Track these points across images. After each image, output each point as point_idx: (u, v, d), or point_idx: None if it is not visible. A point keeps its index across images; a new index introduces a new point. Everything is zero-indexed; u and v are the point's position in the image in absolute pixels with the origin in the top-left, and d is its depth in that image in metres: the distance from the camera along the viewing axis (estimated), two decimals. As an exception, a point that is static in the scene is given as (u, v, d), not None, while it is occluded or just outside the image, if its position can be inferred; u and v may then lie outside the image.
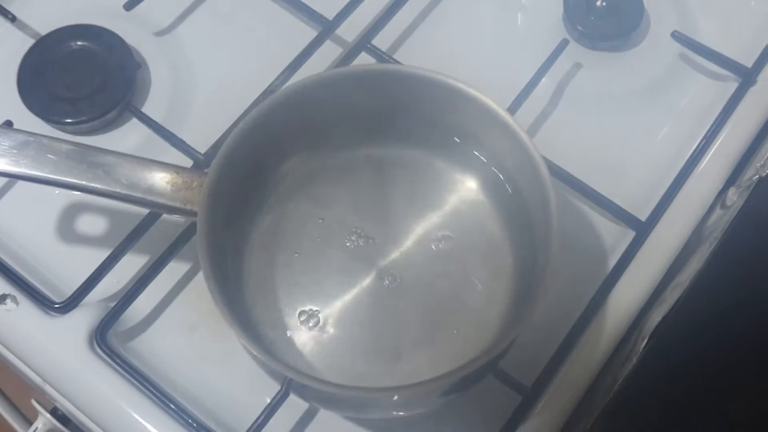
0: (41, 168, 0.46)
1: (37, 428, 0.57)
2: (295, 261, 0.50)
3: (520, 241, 0.50)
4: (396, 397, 0.43)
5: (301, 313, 0.49)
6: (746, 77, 0.58)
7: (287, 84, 0.55)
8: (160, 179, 0.47)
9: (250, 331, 0.47)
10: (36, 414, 0.58)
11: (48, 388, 0.51)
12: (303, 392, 0.46)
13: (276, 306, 0.49)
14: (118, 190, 0.46)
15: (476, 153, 0.51)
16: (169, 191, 0.46)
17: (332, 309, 0.49)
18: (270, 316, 0.49)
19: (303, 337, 0.48)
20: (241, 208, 0.50)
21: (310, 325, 0.49)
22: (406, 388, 0.41)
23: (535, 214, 0.47)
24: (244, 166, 0.48)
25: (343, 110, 0.50)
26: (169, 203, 0.46)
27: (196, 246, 0.44)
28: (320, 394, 0.45)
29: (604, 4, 0.60)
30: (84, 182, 0.46)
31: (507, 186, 0.50)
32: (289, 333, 0.48)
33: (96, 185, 0.46)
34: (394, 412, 0.47)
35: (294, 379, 0.41)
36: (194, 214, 0.46)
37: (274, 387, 0.48)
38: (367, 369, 0.48)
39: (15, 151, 0.46)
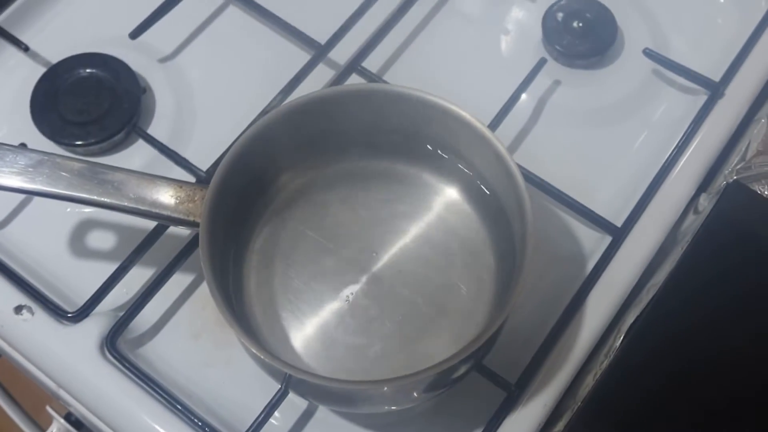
0: (55, 185, 0.49)
1: (51, 433, 0.60)
2: (291, 268, 0.53)
3: (501, 246, 0.52)
4: (385, 389, 0.46)
5: (297, 317, 0.52)
6: (714, 90, 0.60)
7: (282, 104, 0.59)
8: (165, 193, 0.50)
9: (251, 333, 0.50)
10: (50, 420, 0.61)
11: (62, 393, 0.53)
12: (300, 388, 0.49)
13: (274, 311, 0.52)
14: (126, 203, 0.49)
15: (459, 165, 0.54)
16: (173, 204, 0.49)
17: (327, 312, 0.52)
18: (268, 320, 0.51)
19: (299, 339, 0.51)
20: (240, 219, 0.53)
21: (307, 327, 0.52)
22: (394, 380, 0.44)
23: (513, 217, 0.50)
24: (243, 180, 0.51)
25: (334, 127, 0.53)
26: (173, 215, 0.49)
27: (199, 254, 0.47)
28: (316, 388, 0.48)
29: (580, 24, 0.63)
30: (95, 197, 0.49)
31: (487, 195, 0.53)
32: (287, 335, 0.51)
33: (106, 200, 0.49)
34: (386, 407, 0.50)
35: (291, 375, 0.44)
36: (197, 224, 0.48)
37: (274, 389, 0.50)
38: (361, 368, 0.51)
39: (31, 169, 0.49)
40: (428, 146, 0.54)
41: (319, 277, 0.53)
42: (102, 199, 0.49)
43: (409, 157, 0.55)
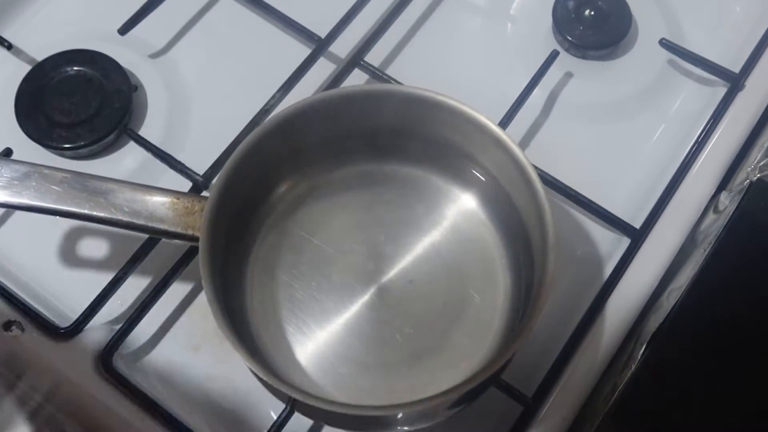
0: (43, 198, 0.46)
1: (45, 452, 0.57)
2: (295, 280, 0.50)
3: (518, 253, 0.50)
4: (400, 414, 0.43)
5: (303, 331, 0.49)
6: (734, 82, 0.58)
7: (282, 107, 0.55)
8: (161, 205, 0.47)
9: (255, 351, 0.47)
10: (44, 438, 0.58)
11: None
12: (308, 411, 0.47)
13: (278, 325, 0.49)
14: (120, 217, 0.46)
15: (471, 168, 0.52)
16: (171, 217, 0.47)
17: (334, 326, 0.50)
18: (273, 336, 0.49)
19: (306, 354, 0.49)
20: (241, 230, 0.51)
21: (313, 342, 0.49)
22: (410, 404, 0.41)
23: (531, 227, 0.47)
24: (243, 190, 0.49)
25: (337, 131, 0.51)
26: (172, 229, 0.47)
27: (200, 270, 0.44)
28: (325, 413, 0.45)
29: (592, 13, 0.61)
30: (86, 211, 0.46)
31: (502, 200, 0.50)
32: (292, 351, 0.49)
33: (98, 213, 0.46)
34: (399, 428, 0.48)
35: (299, 400, 0.42)
36: (196, 239, 0.46)
37: (280, 404, 0.48)
38: (371, 384, 0.48)
39: (17, 182, 0.46)
40: (439, 149, 0.51)
41: (325, 288, 0.50)
42: (94, 213, 0.46)
43: (419, 160, 0.53)
